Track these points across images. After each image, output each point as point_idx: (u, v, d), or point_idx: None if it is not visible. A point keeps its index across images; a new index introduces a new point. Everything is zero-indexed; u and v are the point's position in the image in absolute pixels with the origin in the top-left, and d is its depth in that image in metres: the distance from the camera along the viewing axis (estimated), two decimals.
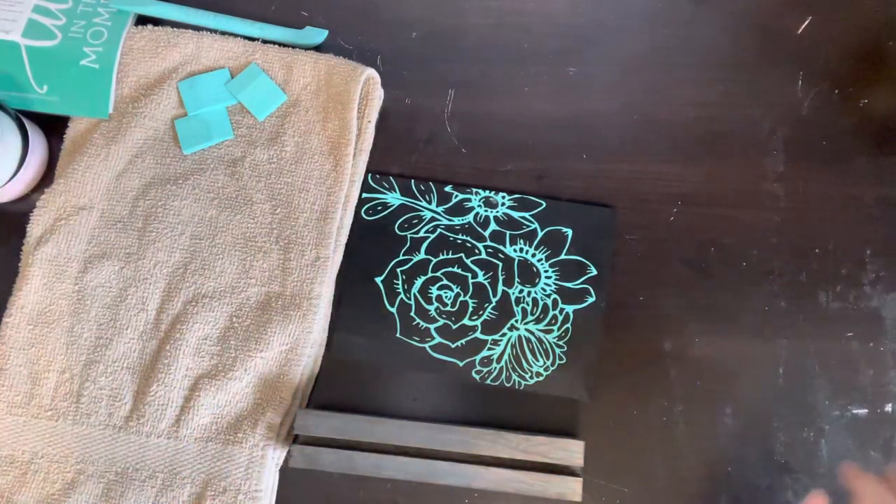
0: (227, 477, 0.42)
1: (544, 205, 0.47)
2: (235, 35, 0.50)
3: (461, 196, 0.47)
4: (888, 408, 0.44)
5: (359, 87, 0.48)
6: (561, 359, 0.45)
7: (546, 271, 0.46)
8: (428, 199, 0.47)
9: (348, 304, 0.46)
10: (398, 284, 0.46)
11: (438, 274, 0.46)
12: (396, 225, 0.47)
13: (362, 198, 0.48)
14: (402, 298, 0.46)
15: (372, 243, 0.47)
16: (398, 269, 0.46)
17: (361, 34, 0.51)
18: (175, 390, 0.43)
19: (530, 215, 0.47)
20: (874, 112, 0.49)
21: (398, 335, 0.45)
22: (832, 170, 0.48)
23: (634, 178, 0.48)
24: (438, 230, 0.47)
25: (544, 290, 0.46)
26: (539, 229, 0.47)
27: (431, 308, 0.46)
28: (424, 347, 0.45)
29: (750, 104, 0.50)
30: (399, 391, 0.45)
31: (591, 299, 0.46)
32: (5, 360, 0.43)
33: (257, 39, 0.50)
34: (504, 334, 0.45)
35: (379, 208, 0.47)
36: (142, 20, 0.51)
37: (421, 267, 0.46)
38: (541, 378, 0.45)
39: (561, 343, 0.45)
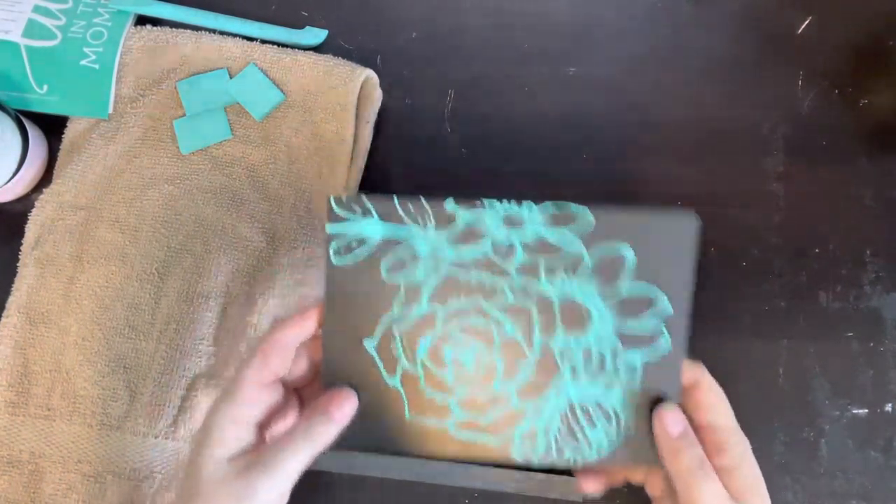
0: None
1: (592, 216, 0.33)
2: (235, 35, 0.50)
3: (468, 214, 0.34)
4: (888, 408, 0.44)
5: (357, 88, 0.48)
6: (629, 430, 0.34)
7: (600, 310, 0.34)
8: (421, 222, 0.34)
9: (332, 382, 0.34)
10: (397, 349, 0.34)
11: (451, 328, 0.34)
12: (384, 267, 0.34)
13: (329, 234, 0.34)
14: (405, 367, 0.34)
15: (351, 297, 0.34)
16: (394, 329, 0.34)
17: (361, 34, 0.51)
18: (172, 390, 0.43)
19: (572, 232, 0.33)
20: (874, 112, 0.49)
21: (407, 416, 0.34)
22: (832, 170, 0.48)
23: (635, 178, 0.48)
24: (443, 269, 0.34)
25: (599, 338, 0.34)
26: (586, 252, 0.33)
27: (447, 375, 0.34)
28: (445, 427, 0.34)
29: (750, 104, 0.50)
30: None
31: (664, 344, 0.34)
32: (3, 359, 0.43)
33: (256, 40, 0.50)
34: (548, 400, 0.34)
35: (354, 245, 0.34)
36: (141, 20, 0.51)
37: (425, 322, 0.34)
38: (603, 453, 0.34)
39: (626, 405, 0.34)
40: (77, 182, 0.46)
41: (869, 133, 0.49)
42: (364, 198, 0.34)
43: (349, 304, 0.34)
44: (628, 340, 0.34)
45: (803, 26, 0.51)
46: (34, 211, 0.46)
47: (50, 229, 0.45)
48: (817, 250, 0.47)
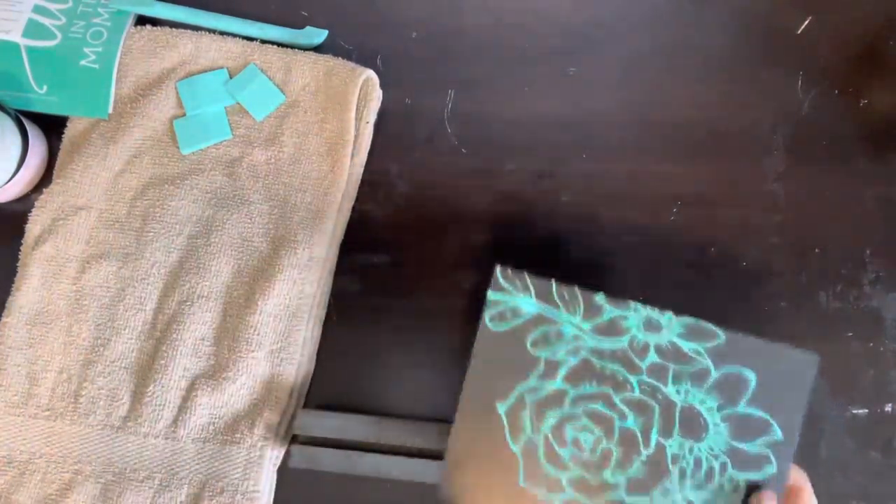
0: (225, 477, 0.42)
1: (724, 337, 0.36)
2: (235, 35, 0.50)
3: (616, 311, 0.37)
4: (888, 408, 0.44)
5: (357, 88, 0.48)
6: None
7: (716, 424, 0.36)
8: (572, 309, 0.37)
9: (463, 435, 0.37)
10: (525, 417, 0.37)
11: (577, 410, 0.37)
12: (529, 340, 0.37)
13: (490, 300, 0.38)
14: (528, 436, 0.37)
15: (496, 360, 0.37)
16: (527, 398, 0.37)
17: (361, 34, 0.51)
18: (172, 391, 0.43)
19: (704, 348, 0.36)
20: (874, 112, 0.49)
21: (521, 482, 0.36)
22: (832, 170, 0.48)
23: (634, 178, 0.48)
24: (582, 353, 0.37)
25: (711, 450, 0.36)
26: (713, 368, 0.36)
27: (565, 453, 0.36)
28: (552, 502, 0.36)
29: (750, 104, 0.50)
30: (399, 391, 0.45)
31: (770, 470, 0.35)
32: (3, 359, 0.43)
33: (256, 40, 0.50)
34: (653, 499, 0.36)
35: (508, 315, 0.38)
36: (141, 20, 0.51)
37: (556, 398, 0.37)
38: None
39: None
40: (77, 182, 0.46)
41: (869, 133, 0.49)
42: (527, 277, 0.38)
43: (492, 366, 0.37)
44: (737, 459, 0.35)
45: (803, 26, 0.51)
46: (34, 211, 0.46)
47: (50, 229, 0.45)
48: (817, 250, 0.47)
